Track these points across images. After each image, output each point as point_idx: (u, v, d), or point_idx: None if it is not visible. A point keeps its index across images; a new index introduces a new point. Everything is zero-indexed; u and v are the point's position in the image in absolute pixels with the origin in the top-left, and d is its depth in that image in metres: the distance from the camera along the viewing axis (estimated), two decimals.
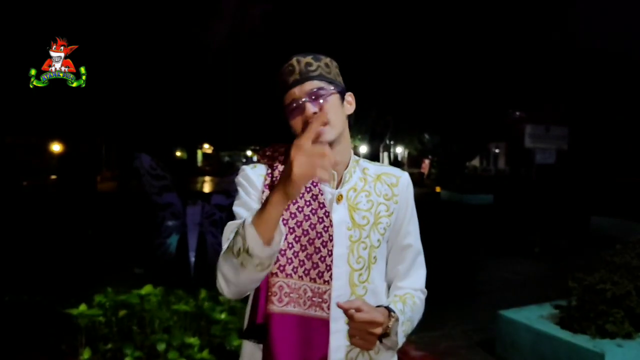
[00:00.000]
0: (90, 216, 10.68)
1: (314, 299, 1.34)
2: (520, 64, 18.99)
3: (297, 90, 1.38)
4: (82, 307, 3.21)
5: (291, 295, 1.33)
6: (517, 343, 4.14)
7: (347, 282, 1.38)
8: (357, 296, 1.38)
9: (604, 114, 20.29)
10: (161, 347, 3.00)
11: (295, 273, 1.34)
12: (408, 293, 1.46)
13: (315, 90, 1.38)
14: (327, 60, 1.45)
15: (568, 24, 19.95)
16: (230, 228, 1.37)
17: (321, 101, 1.38)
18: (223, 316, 3.26)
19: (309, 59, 1.42)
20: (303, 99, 1.37)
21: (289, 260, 1.35)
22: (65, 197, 13.55)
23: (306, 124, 1.36)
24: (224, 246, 1.33)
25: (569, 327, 3.80)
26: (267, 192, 1.41)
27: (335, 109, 1.40)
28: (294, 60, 1.41)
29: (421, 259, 1.54)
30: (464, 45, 18.71)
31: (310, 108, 1.36)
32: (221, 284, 1.30)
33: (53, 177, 22.23)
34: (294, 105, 1.38)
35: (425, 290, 1.53)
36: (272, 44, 17.89)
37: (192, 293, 3.57)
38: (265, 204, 1.19)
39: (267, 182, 1.43)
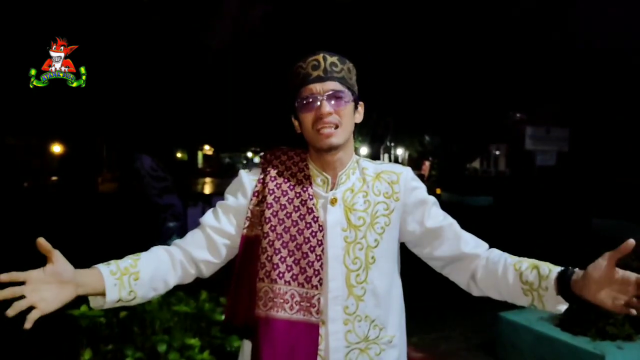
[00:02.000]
0: (91, 217, 10.68)
1: (302, 303, 1.35)
2: (521, 65, 18.98)
3: (318, 87, 1.39)
4: (83, 308, 3.20)
5: (275, 300, 1.35)
6: (517, 345, 4.14)
7: (344, 283, 1.38)
8: (356, 296, 1.38)
9: (605, 115, 20.26)
10: (162, 348, 3.00)
11: (281, 278, 1.36)
12: (505, 257, 1.44)
13: (336, 92, 1.39)
14: (350, 65, 1.46)
15: (568, 24, 19.94)
16: (203, 217, 1.50)
17: (339, 105, 1.39)
18: (223, 317, 3.25)
19: (335, 59, 1.42)
20: (322, 97, 1.38)
21: (275, 266, 1.36)
22: (66, 198, 13.55)
23: (317, 120, 1.38)
24: (186, 235, 1.50)
25: (569, 329, 3.80)
26: (255, 199, 1.44)
27: (348, 116, 1.42)
28: (320, 56, 1.41)
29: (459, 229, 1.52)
30: (464, 47, 18.71)
31: (327, 107, 1.38)
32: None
33: (54, 178, 22.23)
34: (311, 99, 1.39)
35: (485, 244, 1.52)
36: (273, 46, 17.90)
37: (193, 294, 3.57)
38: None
39: (257, 188, 1.46)
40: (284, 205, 1.41)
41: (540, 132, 12.94)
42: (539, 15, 18.99)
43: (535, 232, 9.94)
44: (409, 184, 1.49)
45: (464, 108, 20.50)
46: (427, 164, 29.51)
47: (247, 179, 1.49)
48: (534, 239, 9.35)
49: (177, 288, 3.82)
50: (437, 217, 1.49)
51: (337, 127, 1.39)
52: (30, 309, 1.12)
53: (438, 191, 21.01)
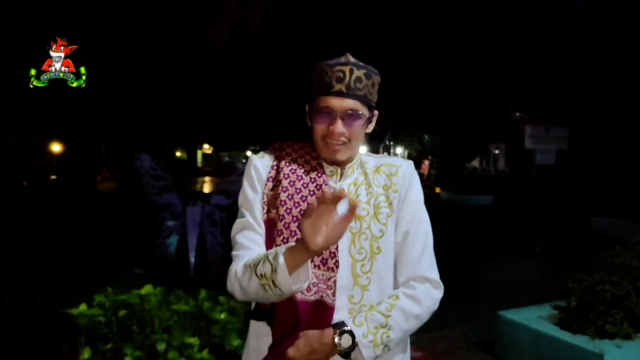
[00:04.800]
0: (90, 216, 10.67)
1: (319, 285, 1.37)
2: (521, 64, 18.98)
3: (336, 102, 1.39)
4: (82, 307, 3.21)
5: None
6: (516, 344, 4.14)
7: (350, 273, 1.40)
8: (361, 286, 1.40)
9: (604, 114, 20.26)
10: (161, 346, 3.00)
11: None
12: (391, 297, 1.41)
13: (353, 112, 1.40)
14: (376, 78, 1.44)
15: (568, 24, 19.94)
16: (237, 227, 1.45)
17: (352, 125, 1.40)
18: (222, 316, 3.26)
19: (361, 73, 1.40)
20: (338, 114, 1.39)
21: None
22: (65, 197, 13.53)
23: (328, 134, 1.40)
24: (236, 252, 1.42)
25: (568, 328, 3.80)
26: (270, 184, 1.46)
27: (359, 133, 1.44)
28: (347, 68, 1.40)
29: (422, 245, 1.48)
30: (464, 46, 18.70)
31: (340, 127, 1.39)
32: (235, 288, 1.37)
33: (53, 177, 22.21)
34: (326, 112, 1.40)
35: (431, 278, 1.45)
36: (273, 45, 17.89)
37: (192, 293, 3.57)
38: (295, 249, 1.24)
39: (272, 174, 1.47)
40: (299, 189, 1.44)
41: (540, 131, 12.95)
42: (539, 14, 18.98)
43: (534, 230, 9.94)
44: (407, 177, 1.50)
45: (464, 107, 20.49)
46: (426, 162, 29.49)
47: (261, 164, 1.50)
48: (533, 238, 9.35)
49: (176, 287, 3.82)
50: (402, 226, 1.48)
51: (344, 143, 1.41)
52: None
53: (437, 190, 20.99)
